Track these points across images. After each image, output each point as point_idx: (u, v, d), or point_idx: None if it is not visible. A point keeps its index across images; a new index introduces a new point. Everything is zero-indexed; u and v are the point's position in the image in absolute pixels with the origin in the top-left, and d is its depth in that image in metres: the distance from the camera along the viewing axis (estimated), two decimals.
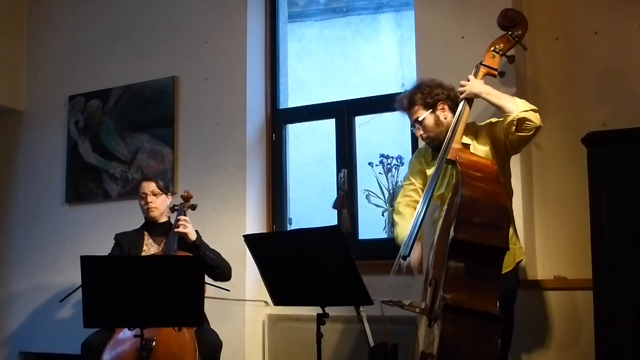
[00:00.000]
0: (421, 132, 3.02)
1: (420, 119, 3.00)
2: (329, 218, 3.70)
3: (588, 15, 3.48)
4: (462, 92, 2.93)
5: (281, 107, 4.46)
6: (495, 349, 2.41)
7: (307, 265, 2.77)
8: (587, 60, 3.46)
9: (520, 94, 3.48)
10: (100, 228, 4.42)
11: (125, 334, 3.21)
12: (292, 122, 4.46)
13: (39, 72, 5.05)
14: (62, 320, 4.57)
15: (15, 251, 4.94)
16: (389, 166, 4.03)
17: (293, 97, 4.63)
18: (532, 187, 3.52)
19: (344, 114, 4.18)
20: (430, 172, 3.02)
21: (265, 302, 4.07)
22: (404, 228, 2.99)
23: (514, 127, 2.79)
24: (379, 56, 5.16)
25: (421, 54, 3.68)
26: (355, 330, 3.47)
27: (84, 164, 4.74)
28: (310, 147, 4.91)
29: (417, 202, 3.03)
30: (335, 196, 3.31)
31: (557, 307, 3.30)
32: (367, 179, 4.15)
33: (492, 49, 3.01)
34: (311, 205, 4.86)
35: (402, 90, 3.47)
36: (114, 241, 3.80)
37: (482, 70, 2.97)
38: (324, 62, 5.30)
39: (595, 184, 2.68)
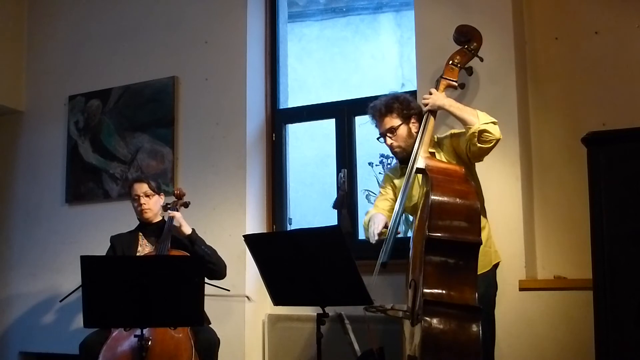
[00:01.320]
0: (392, 141, 3.11)
1: (394, 127, 3.09)
2: (329, 218, 3.70)
3: (588, 15, 3.48)
4: (425, 105, 3.05)
5: (281, 107, 4.46)
6: (477, 340, 2.48)
7: (307, 265, 2.77)
8: (587, 60, 3.47)
9: (520, 94, 3.48)
10: (100, 228, 4.42)
11: (122, 333, 3.22)
12: (292, 122, 4.46)
13: (39, 72, 5.05)
14: (62, 320, 4.57)
15: (15, 251, 4.94)
16: (389, 166, 4.03)
17: (293, 97, 4.63)
18: (532, 187, 3.52)
19: (344, 114, 4.18)
20: (399, 182, 3.11)
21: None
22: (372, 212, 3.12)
23: (475, 139, 2.90)
24: (379, 56, 5.16)
25: (421, 54, 3.68)
26: (356, 330, 3.46)
27: (84, 164, 4.74)
28: (310, 147, 4.91)
29: (385, 210, 3.17)
30: (335, 196, 3.32)
31: (557, 307, 3.30)
32: (367, 179, 4.15)
33: (451, 62, 3.17)
34: (311, 205, 4.86)
35: (402, 90, 3.49)
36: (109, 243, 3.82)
37: (443, 83, 3.12)
38: (324, 62, 5.30)
39: (595, 184, 2.68)
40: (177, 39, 4.51)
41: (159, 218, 3.81)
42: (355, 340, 3.14)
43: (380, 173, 4.07)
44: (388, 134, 3.11)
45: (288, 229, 4.28)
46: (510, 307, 3.29)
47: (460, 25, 3.26)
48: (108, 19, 4.81)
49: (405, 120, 3.10)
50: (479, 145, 2.90)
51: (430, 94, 3.07)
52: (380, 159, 4.06)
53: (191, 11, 4.49)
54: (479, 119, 2.91)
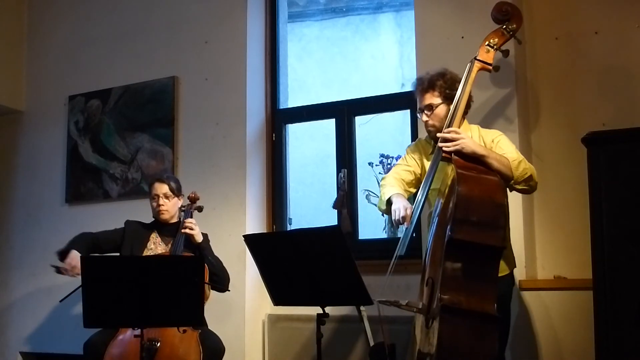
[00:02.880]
0: (428, 118, 2.96)
1: (433, 105, 2.94)
2: (329, 218, 3.71)
3: (588, 15, 3.48)
4: (457, 145, 2.71)
5: (281, 107, 4.46)
6: (493, 348, 2.41)
7: (307, 265, 2.77)
8: (587, 60, 3.46)
9: (520, 93, 3.48)
10: (100, 228, 4.38)
11: (128, 334, 3.21)
12: (292, 122, 4.46)
13: (39, 72, 5.05)
14: (62, 320, 4.57)
15: (16, 251, 4.94)
16: (389, 166, 4.02)
17: (293, 97, 4.63)
18: None
19: (344, 114, 4.18)
20: (427, 164, 2.99)
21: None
22: (388, 189, 2.95)
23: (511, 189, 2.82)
24: (379, 56, 5.16)
25: (421, 54, 3.68)
26: (355, 330, 3.48)
27: (84, 164, 4.74)
28: (310, 147, 4.92)
29: (404, 181, 3.02)
30: (335, 196, 3.32)
31: (557, 307, 3.30)
32: (367, 179, 4.15)
33: (487, 43, 2.98)
34: (311, 205, 4.86)
35: (402, 90, 3.46)
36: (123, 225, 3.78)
37: (477, 65, 2.94)
38: (324, 62, 5.30)
39: (595, 184, 2.68)
40: (177, 39, 4.51)
41: (175, 219, 3.76)
42: (369, 328, 3.12)
43: (380, 173, 4.06)
44: (426, 111, 2.96)
45: (288, 229, 4.28)
46: (511, 307, 3.29)
47: (501, 2, 3.05)
48: (108, 19, 4.81)
49: (446, 100, 2.93)
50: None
51: (456, 133, 2.75)
52: (380, 159, 4.06)
53: (191, 11, 4.49)
54: (513, 176, 2.74)
